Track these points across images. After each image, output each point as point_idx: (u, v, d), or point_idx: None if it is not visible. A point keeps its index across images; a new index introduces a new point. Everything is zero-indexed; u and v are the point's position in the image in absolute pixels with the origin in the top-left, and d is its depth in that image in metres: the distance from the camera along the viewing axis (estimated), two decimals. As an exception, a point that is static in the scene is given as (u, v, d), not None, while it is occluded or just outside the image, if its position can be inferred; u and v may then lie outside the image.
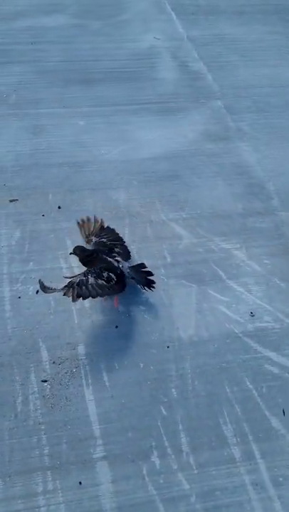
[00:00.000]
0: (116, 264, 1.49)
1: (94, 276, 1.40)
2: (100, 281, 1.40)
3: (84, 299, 1.36)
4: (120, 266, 1.49)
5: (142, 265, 1.55)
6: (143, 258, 1.66)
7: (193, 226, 1.79)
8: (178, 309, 1.51)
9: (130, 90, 2.46)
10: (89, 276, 1.40)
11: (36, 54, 2.68)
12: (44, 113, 2.27)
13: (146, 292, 1.54)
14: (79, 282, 1.38)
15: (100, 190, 1.92)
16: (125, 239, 1.72)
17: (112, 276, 1.44)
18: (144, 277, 1.51)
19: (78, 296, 1.35)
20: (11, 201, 1.83)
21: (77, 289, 1.35)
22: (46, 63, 2.64)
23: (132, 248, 1.69)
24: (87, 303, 1.52)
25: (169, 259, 1.67)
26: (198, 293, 1.57)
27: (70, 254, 1.54)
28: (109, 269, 1.45)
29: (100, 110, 2.31)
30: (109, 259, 1.50)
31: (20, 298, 1.51)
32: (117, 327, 1.46)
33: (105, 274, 1.43)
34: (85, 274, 1.42)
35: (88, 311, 1.50)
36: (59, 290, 1.36)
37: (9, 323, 1.44)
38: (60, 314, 1.48)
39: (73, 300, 1.34)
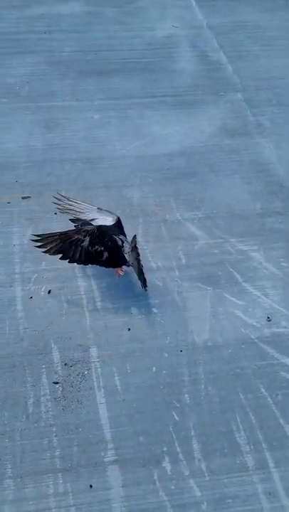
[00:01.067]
0: (119, 243, 1.52)
1: (89, 241, 1.45)
2: (91, 250, 1.46)
3: (63, 259, 1.45)
4: (122, 246, 1.52)
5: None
6: (157, 259, 1.69)
7: (210, 226, 1.81)
8: (192, 313, 1.54)
9: (146, 82, 2.48)
10: (86, 239, 1.44)
11: (50, 44, 2.71)
12: (57, 106, 2.30)
13: (160, 294, 1.57)
14: (73, 241, 1.43)
15: (114, 187, 1.95)
16: (139, 238, 1.76)
17: (105, 254, 1.49)
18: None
19: (58, 253, 1.43)
20: (23, 198, 1.88)
21: (63, 246, 1.42)
22: (60, 53, 2.67)
23: (146, 248, 1.72)
24: (100, 304, 1.56)
25: (183, 261, 1.69)
26: (213, 296, 1.59)
27: (75, 226, 1.57)
28: (106, 245, 1.49)
29: (114, 103, 2.33)
30: (114, 236, 1.52)
31: (33, 298, 1.56)
32: (129, 329, 1.49)
33: (98, 248, 1.47)
34: (85, 234, 1.46)
35: (101, 313, 1.54)
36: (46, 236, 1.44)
37: (21, 323, 1.49)
38: (72, 315, 1.52)
39: (48, 253, 1.44)
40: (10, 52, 2.63)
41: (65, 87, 2.42)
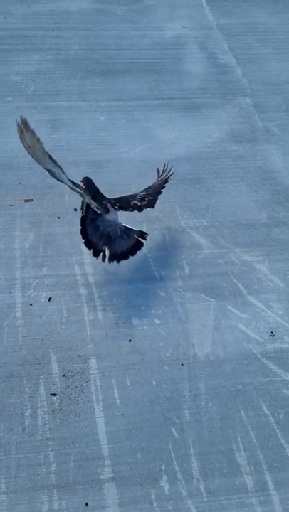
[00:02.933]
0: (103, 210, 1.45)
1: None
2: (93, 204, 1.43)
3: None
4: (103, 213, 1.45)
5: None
6: (160, 268, 1.64)
7: (214, 235, 1.76)
8: (194, 325, 1.49)
9: (153, 83, 2.41)
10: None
11: (57, 41, 2.63)
12: (63, 106, 2.24)
13: (163, 305, 1.52)
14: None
15: (118, 192, 1.87)
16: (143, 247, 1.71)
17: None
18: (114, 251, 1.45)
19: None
20: (26, 201, 1.83)
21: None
22: (67, 51, 2.59)
23: (149, 257, 1.67)
24: (100, 313, 1.51)
25: (187, 270, 1.64)
26: (216, 308, 1.54)
27: (80, 181, 1.50)
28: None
29: (121, 105, 2.27)
30: (105, 201, 1.46)
31: (32, 305, 1.51)
32: (130, 341, 1.45)
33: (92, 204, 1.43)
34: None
35: (101, 323, 1.49)
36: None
37: (20, 331, 1.45)
38: (72, 324, 1.48)
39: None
40: (17, 49, 2.56)
41: (71, 87, 2.35)
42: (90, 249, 1.48)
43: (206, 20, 2.84)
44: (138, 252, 1.50)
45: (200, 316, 1.52)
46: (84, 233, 1.48)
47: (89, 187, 1.49)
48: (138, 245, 1.49)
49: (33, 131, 1.32)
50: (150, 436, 1.26)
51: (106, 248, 1.46)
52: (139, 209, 1.54)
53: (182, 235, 1.75)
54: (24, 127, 1.31)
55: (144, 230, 1.78)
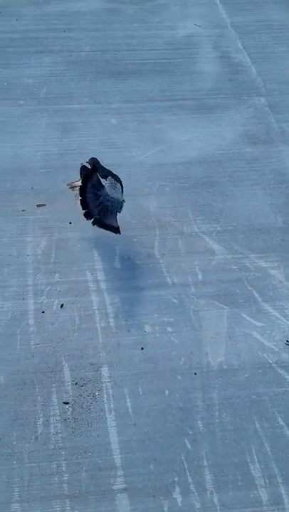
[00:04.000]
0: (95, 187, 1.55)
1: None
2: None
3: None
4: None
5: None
6: (173, 274, 1.62)
7: (228, 240, 1.73)
8: (208, 333, 1.48)
9: (165, 84, 2.38)
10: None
11: (68, 43, 2.63)
12: (74, 109, 2.23)
13: (176, 312, 1.51)
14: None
15: (130, 196, 1.86)
16: (154, 252, 1.69)
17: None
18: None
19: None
20: (38, 206, 1.83)
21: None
22: (78, 53, 2.58)
23: (161, 262, 1.66)
24: (112, 321, 1.50)
25: (200, 277, 1.62)
26: (230, 316, 1.52)
27: (87, 162, 1.62)
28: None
29: (132, 106, 2.25)
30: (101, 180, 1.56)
31: (44, 312, 1.51)
32: (142, 349, 1.44)
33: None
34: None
35: (113, 330, 1.48)
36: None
37: (32, 338, 1.45)
38: (84, 332, 1.47)
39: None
40: (28, 52, 2.56)
41: (82, 89, 2.34)
42: (84, 209, 1.57)
43: (219, 18, 2.80)
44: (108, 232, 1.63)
45: (213, 323, 1.50)
46: (83, 193, 1.55)
47: (95, 165, 1.60)
48: (117, 229, 1.62)
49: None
50: (163, 447, 1.25)
51: (99, 215, 1.58)
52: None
53: (195, 240, 1.73)
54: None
55: (157, 234, 1.77)
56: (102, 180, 1.58)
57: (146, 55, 2.55)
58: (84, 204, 1.56)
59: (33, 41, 2.64)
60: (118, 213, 1.62)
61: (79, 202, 1.56)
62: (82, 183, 1.55)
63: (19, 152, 2.02)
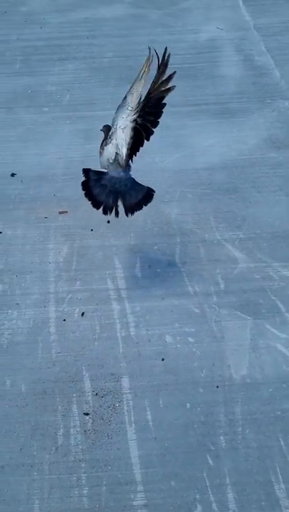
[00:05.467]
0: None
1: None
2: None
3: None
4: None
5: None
6: (194, 283, 1.56)
7: (251, 248, 1.65)
8: (230, 344, 1.40)
9: (187, 89, 2.31)
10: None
11: (91, 49, 2.59)
12: (97, 115, 2.18)
13: (197, 322, 1.44)
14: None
15: (152, 203, 1.81)
16: (176, 259, 1.63)
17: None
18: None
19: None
20: (60, 213, 1.79)
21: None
22: (101, 59, 2.54)
23: (183, 271, 1.59)
24: (133, 330, 1.45)
25: (222, 286, 1.55)
26: (253, 327, 1.44)
27: (101, 130, 1.57)
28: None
29: (155, 112, 2.19)
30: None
31: (66, 321, 1.47)
32: (163, 360, 1.38)
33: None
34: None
35: (134, 340, 1.43)
36: None
37: (54, 347, 1.42)
38: (104, 341, 1.43)
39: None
40: (52, 59, 2.53)
41: (105, 95, 2.29)
42: (98, 208, 1.44)
43: (243, 21, 2.70)
44: (149, 204, 1.49)
45: (236, 335, 1.43)
46: (90, 195, 1.44)
47: (107, 133, 1.52)
48: (150, 194, 1.48)
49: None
50: (184, 463, 1.19)
51: (119, 203, 1.44)
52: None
53: (217, 248, 1.66)
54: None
55: (178, 242, 1.71)
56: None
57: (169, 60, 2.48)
58: (96, 203, 1.44)
59: (57, 48, 2.61)
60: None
61: (90, 205, 1.45)
62: (83, 189, 1.44)
63: (42, 159, 1.99)
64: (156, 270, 1.60)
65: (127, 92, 1.46)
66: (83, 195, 1.44)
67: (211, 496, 1.15)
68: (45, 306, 1.51)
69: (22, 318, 1.48)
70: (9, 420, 1.26)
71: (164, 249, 1.65)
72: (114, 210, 1.43)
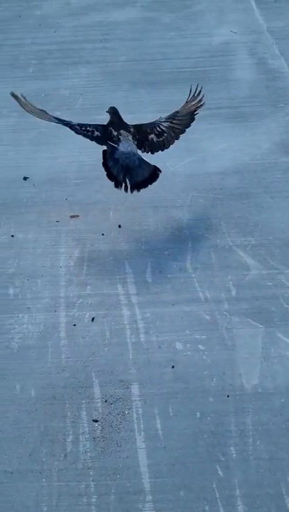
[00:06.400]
0: (114, 133, 1.56)
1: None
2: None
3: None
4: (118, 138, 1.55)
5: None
6: (205, 289, 1.53)
7: (263, 255, 1.61)
8: (241, 353, 1.37)
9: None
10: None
11: (104, 53, 2.57)
12: (109, 119, 2.17)
13: (208, 330, 1.41)
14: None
15: (163, 208, 1.79)
16: (187, 265, 1.60)
17: (96, 132, 1.58)
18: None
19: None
20: (71, 217, 1.78)
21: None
22: (114, 63, 2.52)
23: (193, 277, 1.56)
24: (143, 336, 1.43)
25: (233, 293, 1.51)
26: (265, 335, 1.40)
27: (107, 112, 1.64)
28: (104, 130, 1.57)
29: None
30: (122, 131, 1.56)
31: (76, 325, 1.45)
32: (173, 367, 1.35)
33: (91, 128, 1.59)
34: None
35: (144, 346, 1.40)
36: None
37: (63, 351, 1.40)
38: (114, 347, 1.40)
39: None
40: (65, 63, 2.52)
41: (118, 99, 2.26)
42: (112, 181, 1.55)
43: (256, 24, 2.66)
44: (154, 184, 1.57)
45: (247, 343, 1.39)
46: (106, 165, 1.55)
47: (112, 116, 1.61)
48: (156, 173, 1.56)
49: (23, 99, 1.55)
50: (193, 473, 1.16)
51: (127, 179, 1.53)
52: (152, 149, 1.58)
53: (229, 254, 1.62)
54: (17, 100, 1.54)
55: (189, 247, 1.68)
56: (119, 138, 1.55)
57: (181, 64, 2.45)
58: (110, 175, 1.54)
59: (71, 52, 2.60)
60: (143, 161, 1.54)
61: (106, 176, 1.54)
62: (102, 158, 1.56)
63: (54, 163, 1.98)
64: (166, 276, 1.57)
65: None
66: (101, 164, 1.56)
67: (220, 507, 1.11)
68: (55, 311, 1.49)
69: (33, 322, 1.47)
70: (19, 425, 1.25)
71: (175, 255, 1.62)
72: (124, 186, 1.54)
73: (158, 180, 1.89)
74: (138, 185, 1.54)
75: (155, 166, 1.56)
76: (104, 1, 2.99)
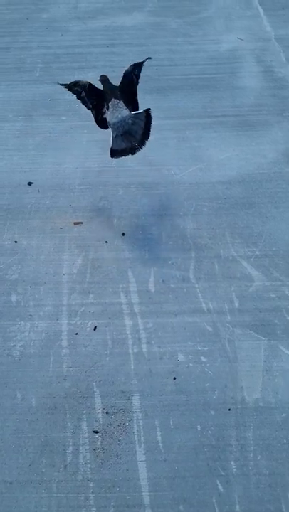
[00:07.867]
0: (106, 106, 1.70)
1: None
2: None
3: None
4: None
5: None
6: (208, 300, 1.52)
7: (267, 266, 1.60)
8: (243, 366, 1.36)
9: (206, 100, 2.26)
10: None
11: (111, 58, 2.56)
12: (115, 125, 2.16)
13: (210, 341, 1.40)
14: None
15: (167, 216, 1.78)
16: (190, 275, 1.59)
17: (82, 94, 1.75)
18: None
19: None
20: (75, 224, 1.77)
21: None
22: (120, 68, 2.49)
23: (196, 287, 1.55)
24: (145, 346, 1.42)
25: (236, 304, 1.51)
26: (267, 348, 1.40)
27: (98, 80, 1.80)
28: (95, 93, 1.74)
29: (172, 123, 2.15)
30: (113, 99, 1.70)
31: (78, 334, 1.45)
32: (175, 379, 1.34)
33: (79, 89, 1.76)
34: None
35: (146, 357, 1.40)
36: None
37: (65, 360, 1.39)
38: (116, 357, 1.40)
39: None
40: (72, 67, 2.51)
41: (123, 105, 2.26)
42: (124, 155, 1.68)
43: (264, 31, 2.64)
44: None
45: (249, 356, 1.38)
46: (111, 152, 1.68)
47: (104, 83, 1.76)
48: (149, 115, 1.67)
49: None
50: (193, 487, 1.16)
51: (133, 143, 1.67)
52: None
53: (232, 265, 1.61)
54: None
55: (193, 257, 1.67)
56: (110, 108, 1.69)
57: (188, 70, 2.44)
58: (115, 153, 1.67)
59: (77, 57, 2.59)
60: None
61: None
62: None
63: (59, 168, 1.97)
64: (169, 285, 1.56)
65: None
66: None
67: (220, 523, 1.11)
68: (57, 319, 1.49)
69: (34, 330, 1.46)
70: (19, 435, 1.24)
71: (179, 264, 1.62)
72: (136, 149, 1.67)
73: (162, 189, 1.90)
74: (144, 140, 1.66)
75: (145, 110, 1.68)
76: (112, 6, 2.98)
